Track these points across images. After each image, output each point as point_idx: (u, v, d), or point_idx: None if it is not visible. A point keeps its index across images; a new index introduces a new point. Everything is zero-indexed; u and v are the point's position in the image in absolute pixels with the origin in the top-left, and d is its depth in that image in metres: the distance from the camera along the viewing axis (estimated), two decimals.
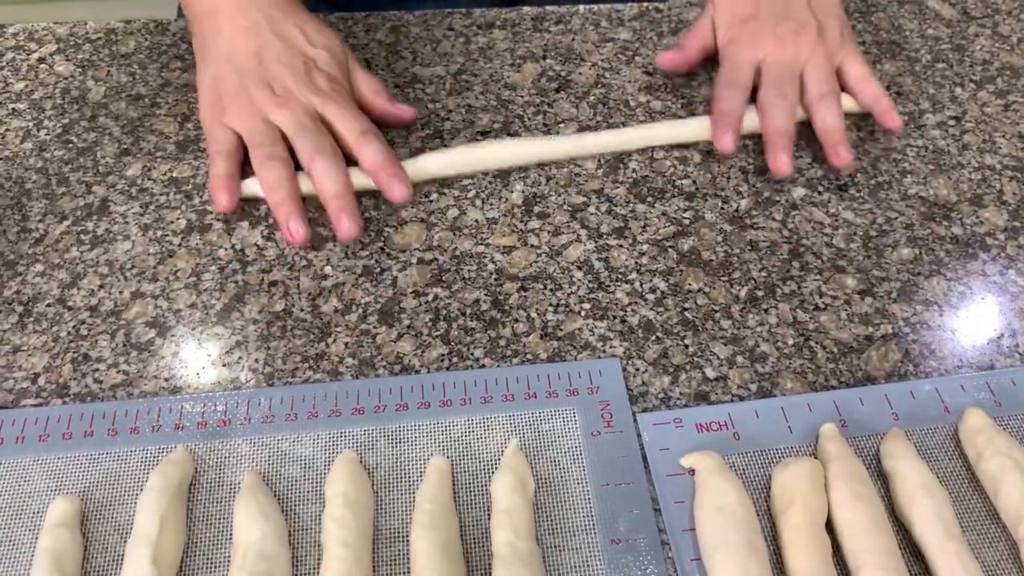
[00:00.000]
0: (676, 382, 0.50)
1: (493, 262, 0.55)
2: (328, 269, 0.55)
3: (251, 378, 0.50)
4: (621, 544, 0.43)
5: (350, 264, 0.55)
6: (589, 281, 0.54)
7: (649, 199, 0.59)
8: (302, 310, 0.53)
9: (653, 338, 0.52)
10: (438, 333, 0.52)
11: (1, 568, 0.42)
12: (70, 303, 0.53)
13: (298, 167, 0.57)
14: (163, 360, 0.50)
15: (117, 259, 0.55)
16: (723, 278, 0.55)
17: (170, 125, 0.63)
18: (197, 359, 0.50)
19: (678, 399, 0.49)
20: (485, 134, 0.63)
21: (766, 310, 0.53)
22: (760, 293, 0.54)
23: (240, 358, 0.51)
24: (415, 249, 0.56)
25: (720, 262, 0.55)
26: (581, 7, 0.73)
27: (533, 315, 0.53)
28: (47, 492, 0.45)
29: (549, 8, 0.73)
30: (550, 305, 0.53)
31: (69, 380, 0.49)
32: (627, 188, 0.60)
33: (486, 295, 0.54)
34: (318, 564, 0.42)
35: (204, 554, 0.43)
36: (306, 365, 0.50)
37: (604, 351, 0.51)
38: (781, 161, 0.59)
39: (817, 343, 0.51)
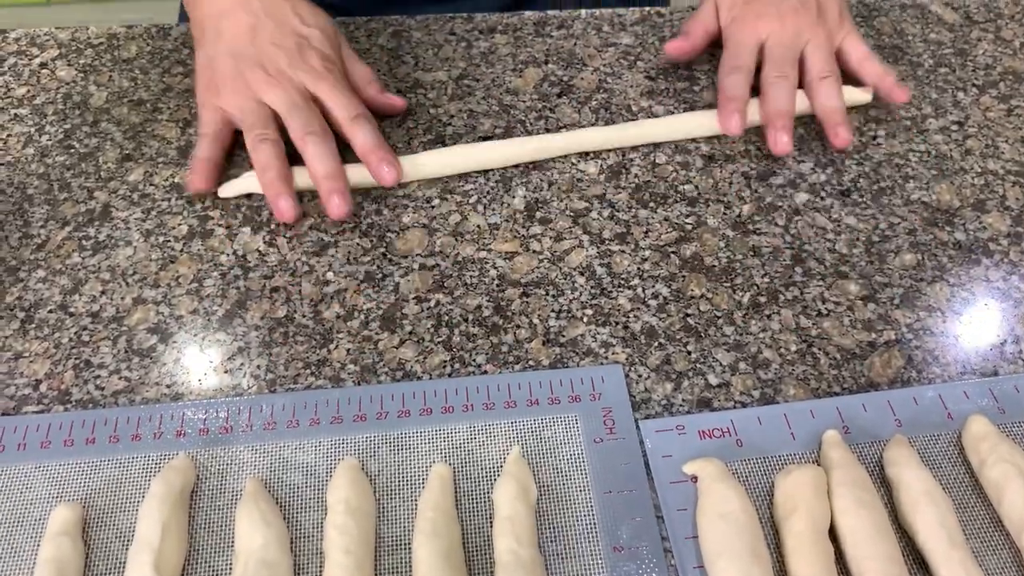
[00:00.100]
0: (679, 389, 0.49)
1: (495, 268, 0.55)
2: (330, 275, 0.55)
3: (253, 384, 0.50)
4: (624, 552, 0.43)
5: (352, 270, 0.55)
6: (591, 287, 0.54)
7: (651, 204, 0.59)
8: (304, 316, 0.53)
9: (655, 344, 0.51)
10: (440, 339, 0.52)
11: None
12: (72, 309, 0.53)
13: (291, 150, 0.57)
14: (165, 366, 0.50)
15: (119, 265, 0.55)
16: (726, 284, 0.55)
17: (172, 130, 0.63)
18: (199, 365, 0.50)
19: (681, 406, 0.49)
20: (487, 139, 0.63)
21: (769, 316, 0.53)
22: (763, 299, 0.54)
23: (242, 364, 0.50)
24: (417, 255, 0.56)
25: (723, 268, 0.55)
26: (583, 12, 0.73)
27: (535, 321, 0.53)
28: (49, 499, 0.45)
29: (551, 13, 0.73)
30: (552, 311, 0.53)
31: (71, 387, 0.49)
32: (629, 193, 0.60)
33: (488, 301, 0.54)
34: (320, 572, 0.42)
35: (206, 561, 0.43)
36: (308, 371, 0.50)
37: (606, 357, 0.51)
38: (781, 140, 0.60)
39: (820, 349, 0.51)
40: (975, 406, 0.48)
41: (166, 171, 0.61)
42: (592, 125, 0.64)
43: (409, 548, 0.43)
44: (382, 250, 0.56)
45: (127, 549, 0.42)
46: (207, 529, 0.44)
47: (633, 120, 0.64)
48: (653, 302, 0.54)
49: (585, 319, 0.53)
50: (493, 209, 0.59)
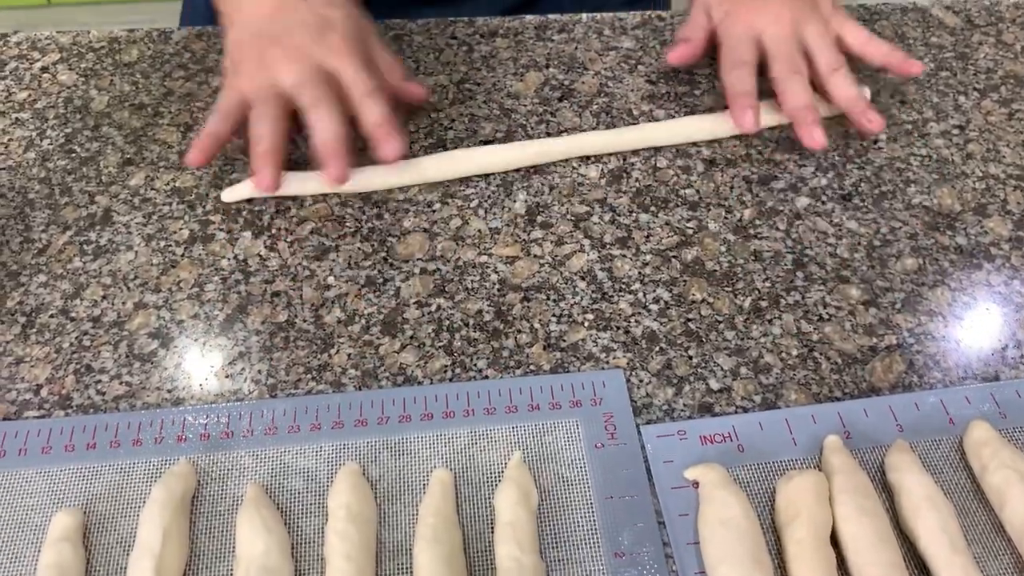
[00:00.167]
0: (680, 394, 0.49)
1: (496, 272, 0.55)
2: (331, 280, 0.55)
3: (254, 389, 0.50)
4: (625, 558, 0.43)
5: (353, 274, 0.55)
6: (592, 291, 0.54)
7: (652, 208, 0.59)
8: (305, 321, 0.53)
9: (657, 349, 0.51)
10: (441, 344, 0.52)
11: None
12: (73, 314, 0.53)
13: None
14: (166, 371, 0.50)
15: (120, 269, 0.55)
16: (727, 288, 0.55)
17: (173, 135, 0.63)
18: (200, 370, 0.50)
19: (682, 411, 0.49)
20: (488, 143, 0.63)
21: (770, 321, 0.53)
22: (764, 304, 0.54)
23: (243, 369, 0.50)
24: (418, 259, 0.56)
25: (724, 272, 0.55)
26: (584, 16, 0.73)
27: (536, 326, 0.52)
28: (49, 505, 0.44)
29: (552, 17, 0.73)
30: (553, 316, 0.53)
31: (72, 392, 0.49)
32: (630, 197, 0.60)
33: (489, 305, 0.54)
34: None
35: (207, 567, 0.43)
36: (309, 376, 0.50)
37: (607, 362, 0.51)
38: (816, 135, 0.59)
39: (821, 354, 0.51)
40: (977, 411, 0.48)
41: (167, 175, 0.61)
42: (593, 129, 0.64)
43: (410, 554, 0.43)
44: (383, 254, 0.56)
45: (128, 555, 0.42)
46: (208, 535, 0.44)
47: (634, 124, 0.64)
48: (654, 307, 0.53)
49: (586, 324, 0.53)
50: (494, 213, 0.59)
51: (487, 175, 0.61)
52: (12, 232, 0.57)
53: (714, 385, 0.50)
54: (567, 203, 0.59)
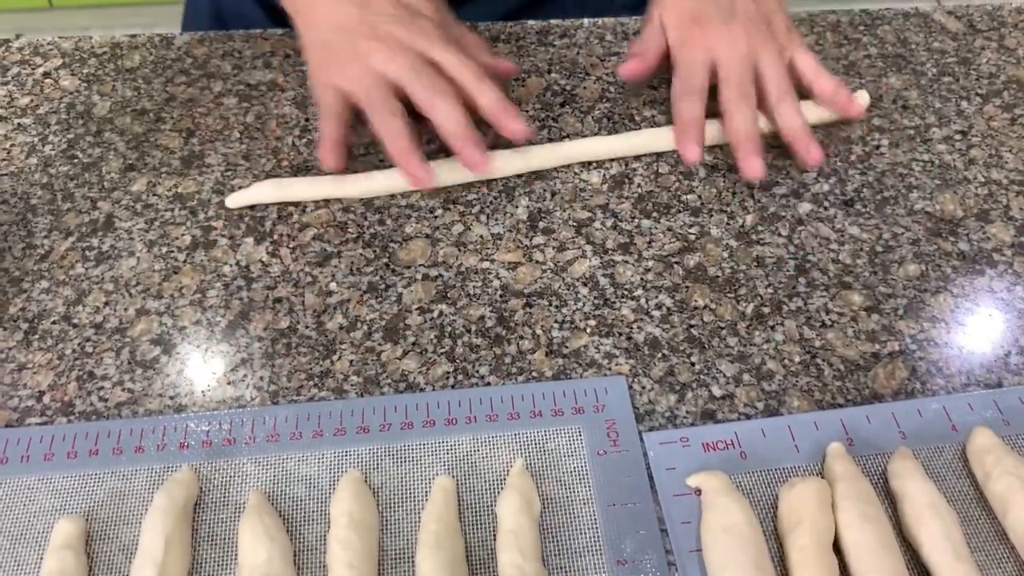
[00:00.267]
0: (682, 400, 0.49)
1: (498, 278, 0.55)
2: (333, 286, 0.55)
3: (256, 396, 0.50)
4: (627, 565, 0.43)
5: (355, 281, 0.55)
6: (595, 297, 0.54)
7: (654, 214, 0.59)
8: (307, 327, 0.53)
9: (659, 355, 0.51)
10: (443, 350, 0.52)
11: None
12: (75, 320, 0.53)
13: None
14: (168, 378, 0.50)
15: (122, 276, 0.55)
16: (729, 294, 0.54)
17: (175, 140, 0.64)
18: (202, 377, 0.50)
19: (684, 418, 0.49)
20: (490, 148, 0.63)
21: (772, 327, 0.53)
22: (766, 310, 0.54)
23: (245, 376, 0.50)
24: (420, 265, 0.56)
25: (726, 278, 0.55)
26: (586, 21, 0.73)
27: (538, 332, 0.52)
28: (52, 512, 0.44)
29: (554, 22, 0.73)
30: (555, 322, 0.53)
31: (74, 398, 0.49)
32: (632, 203, 0.60)
33: (491, 312, 0.54)
34: None
35: (209, 575, 0.43)
36: (311, 383, 0.50)
37: (610, 369, 0.51)
38: (755, 165, 0.59)
39: (824, 360, 0.51)
40: (979, 418, 0.48)
41: (169, 181, 0.61)
42: (595, 134, 0.64)
43: (412, 561, 0.43)
44: (385, 261, 0.56)
45: (130, 562, 0.42)
46: (210, 542, 0.44)
47: (636, 129, 0.64)
48: (656, 313, 0.53)
49: (588, 330, 0.53)
50: (496, 219, 0.59)
51: (489, 181, 0.61)
52: (14, 238, 0.57)
53: (716, 392, 0.50)
54: (569, 209, 0.59)
